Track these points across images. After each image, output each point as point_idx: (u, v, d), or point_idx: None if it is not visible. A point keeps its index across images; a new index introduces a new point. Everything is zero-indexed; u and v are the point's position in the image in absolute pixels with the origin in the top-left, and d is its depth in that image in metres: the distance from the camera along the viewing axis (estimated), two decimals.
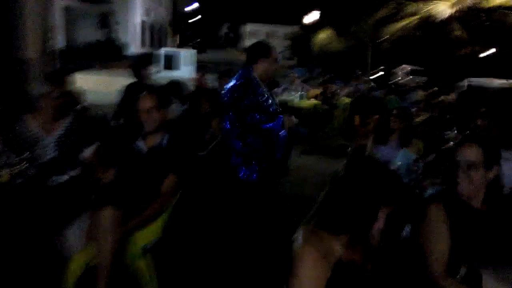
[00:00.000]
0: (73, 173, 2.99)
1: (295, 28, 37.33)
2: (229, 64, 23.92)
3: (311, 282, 1.49)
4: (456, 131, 5.72)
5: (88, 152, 3.09)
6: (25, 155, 2.60)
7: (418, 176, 3.47)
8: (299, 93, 8.82)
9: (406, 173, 3.54)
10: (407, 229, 2.22)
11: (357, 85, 12.08)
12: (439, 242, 1.97)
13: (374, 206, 1.50)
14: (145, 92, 2.79)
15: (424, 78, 23.07)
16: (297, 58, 31.92)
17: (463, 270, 1.87)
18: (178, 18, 39.79)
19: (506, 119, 4.77)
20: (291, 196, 4.98)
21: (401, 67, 26.19)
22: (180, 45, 33.97)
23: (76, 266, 2.40)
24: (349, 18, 18.93)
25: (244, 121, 3.13)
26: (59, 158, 2.90)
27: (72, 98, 4.37)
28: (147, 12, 28.63)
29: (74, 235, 2.53)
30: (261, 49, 3.32)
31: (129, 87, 5.22)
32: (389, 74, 22.54)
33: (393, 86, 10.23)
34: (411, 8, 13.84)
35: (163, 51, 21.51)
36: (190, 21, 46.23)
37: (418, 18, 13.24)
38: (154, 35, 31.01)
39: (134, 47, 25.49)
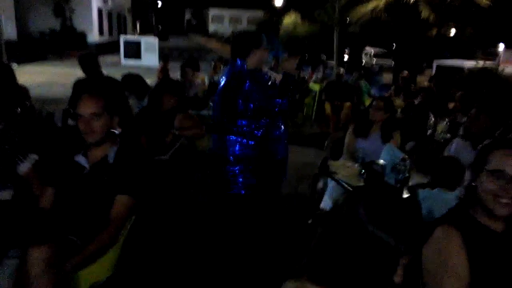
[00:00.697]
0: (4, 195, 2.46)
1: (259, 13, 36.68)
2: (194, 51, 23.23)
3: None
4: (432, 118, 5.47)
5: (24, 167, 2.56)
6: None
7: (405, 176, 3.12)
8: None
9: (392, 172, 3.19)
10: None
11: (325, 70, 11.78)
12: (453, 277, 1.51)
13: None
14: (85, 94, 2.24)
15: (388, 60, 23.15)
16: None
17: None
18: (138, 4, 38.30)
19: (488, 105, 4.54)
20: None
21: (364, 50, 26.14)
22: (142, 33, 32.76)
23: None
24: (314, 1, 18.55)
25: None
26: None
27: (16, 95, 3.78)
28: None
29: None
30: (252, 39, 2.97)
31: (76, 85, 4.63)
32: (356, 57, 22.45)
33: (362, 72, 9.91)
34: None
35: (122, 38, 20.58)
36: (151, 7, 44.76)
37: (386, 1, 12.99)
38: (113, 22, 29.74)
39: (92, 36, 24.34)
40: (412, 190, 2.96)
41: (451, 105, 6.70)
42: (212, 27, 53.40)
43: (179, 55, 21.51)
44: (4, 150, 2.52)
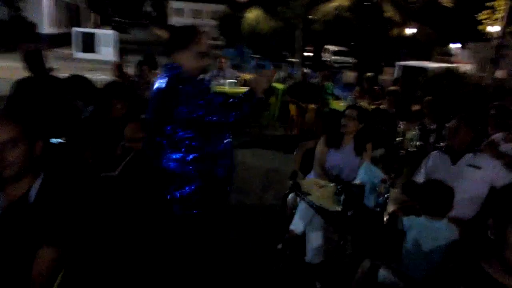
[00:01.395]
0: None
1: (221, 7, 36.01)
2: (155, 44, 22.41)
3: None
4: (402, 125, 5.20)
5: None
6: None
7: (385, 199, 2.80)
8: (228, 80, 7.96)
9: (371, 194, 2.86)
10: None
11: (290, 70, 11.51)
12: None
13: None
14: None
15: (349, 59, 23.19)
16: (225, 39, 30.81)
17: None
18: None
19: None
20: (233, 208, 4.19)
21: (324, 47, 26.11)
22: (101, 25, 31.43)
23: None
24: None
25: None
26: None
27: None
28: None
29: None
30: (183, 36, 2.51)
31: (19, 84, 4.07)
32: (319, 55, 22.37)
33: (327, 72, 9.65)
34: None
35: (77, 31, 19.51)
36: None
37: None
38: (68, 13, 28.25)
39: (44, 27, 22.92)
40: (394, 217, 2.63)
41: (414, 107, 6.45)
42: (173, 20, 52.26)
43: (140, 48, 20.71)
44: None
